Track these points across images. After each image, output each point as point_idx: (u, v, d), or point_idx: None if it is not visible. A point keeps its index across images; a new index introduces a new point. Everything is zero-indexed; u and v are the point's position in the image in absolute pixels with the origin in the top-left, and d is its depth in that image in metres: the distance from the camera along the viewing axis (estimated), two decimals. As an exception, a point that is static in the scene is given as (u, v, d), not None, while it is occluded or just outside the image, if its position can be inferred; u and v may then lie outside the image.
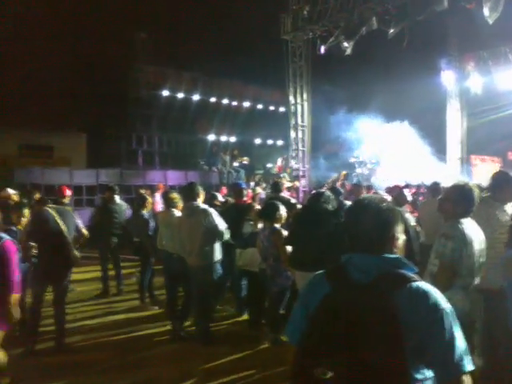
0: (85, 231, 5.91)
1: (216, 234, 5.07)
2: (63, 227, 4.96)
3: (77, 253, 5.13)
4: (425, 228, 6.11)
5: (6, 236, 3.63)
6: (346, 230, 1.75)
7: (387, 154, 16.03)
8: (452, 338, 1.53)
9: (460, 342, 1.54)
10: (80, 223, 5.81)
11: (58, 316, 4.99)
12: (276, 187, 7.14)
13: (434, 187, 6.63)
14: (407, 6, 11.83)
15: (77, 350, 4.99)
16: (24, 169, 13.93)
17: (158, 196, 10.08)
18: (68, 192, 7.45)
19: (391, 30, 12.14)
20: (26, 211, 5.06)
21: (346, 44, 12.81)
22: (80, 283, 7.98)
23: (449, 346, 1.53)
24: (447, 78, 16.61)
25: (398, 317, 1.49)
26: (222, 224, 5.13)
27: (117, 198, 7.83)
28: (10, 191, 6.61)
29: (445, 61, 16.48)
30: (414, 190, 11.28)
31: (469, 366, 1.54)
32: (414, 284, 1.57)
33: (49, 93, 16.39)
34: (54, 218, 4.96)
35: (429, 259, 3.24)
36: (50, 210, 5.07)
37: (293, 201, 7.20)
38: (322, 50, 13.89)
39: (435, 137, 16.68)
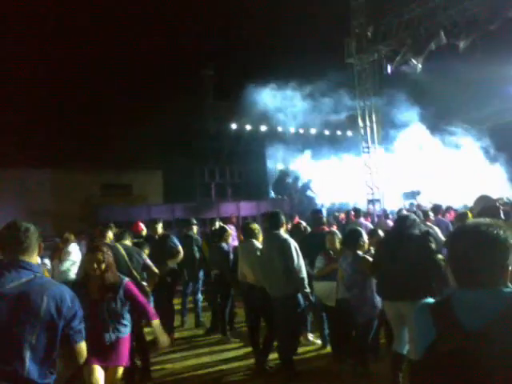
0: (155, 269, 5.58)
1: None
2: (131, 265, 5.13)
3: (147, 287, 5.26)
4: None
5: (124, 277, 3.83)
6: (450, 260, 1.56)
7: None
8: None
9: None
10: (148, 261, 5.52)
11: (141, 350, 5.03)
12: (356, 213, 7.11)
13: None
14: (477, 15, 11.37)
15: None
16: (106, 207, 14.72)
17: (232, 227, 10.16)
18: (143, 227, 7.74)
19: (462, 43, 11.69)
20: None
21: (414, 61, 12.48)
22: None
23: None
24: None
25: None
26: (297, 260, 4.90)
27: (194, 231, 8.00)
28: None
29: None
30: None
31: None
32: None
33: (125, 135, 17.34)
34: (123, 256, 5.14)
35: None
36: (120, 247, 5.26)
37: (369, 226, 7.04)
38: (389, 69, 13.64)
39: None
